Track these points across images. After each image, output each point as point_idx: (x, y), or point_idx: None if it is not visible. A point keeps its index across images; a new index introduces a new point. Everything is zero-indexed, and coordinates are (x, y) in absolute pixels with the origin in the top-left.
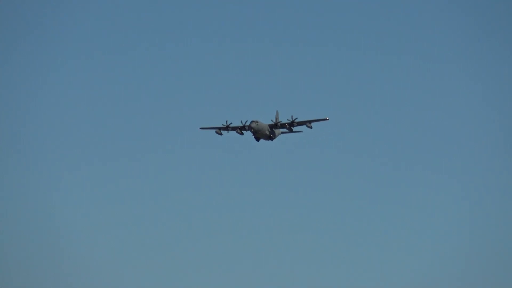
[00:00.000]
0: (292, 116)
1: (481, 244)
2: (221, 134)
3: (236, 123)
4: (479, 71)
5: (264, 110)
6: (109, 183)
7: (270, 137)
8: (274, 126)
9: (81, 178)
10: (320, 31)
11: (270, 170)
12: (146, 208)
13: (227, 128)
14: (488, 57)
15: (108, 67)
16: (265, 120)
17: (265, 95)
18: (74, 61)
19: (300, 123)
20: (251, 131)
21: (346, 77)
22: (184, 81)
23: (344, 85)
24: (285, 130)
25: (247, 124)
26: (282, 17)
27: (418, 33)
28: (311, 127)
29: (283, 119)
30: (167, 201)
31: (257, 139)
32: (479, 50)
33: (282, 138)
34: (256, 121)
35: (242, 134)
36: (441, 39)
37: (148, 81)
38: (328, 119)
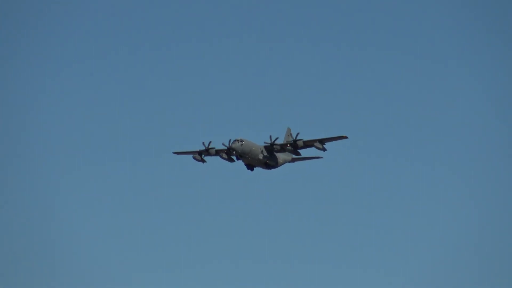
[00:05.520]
0: (297, 134)
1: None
2: (202, 160)
3: (222, 145)
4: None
5: (274, 126)
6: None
7: (267, 163)
8: (271, 148)
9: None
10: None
11: (259, 209)
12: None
13: (207, 151)
14: (488, 57)
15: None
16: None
17: (275, 109)
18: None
19: (308, 144)
20: (234, 155)
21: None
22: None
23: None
24: (296, 156)
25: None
26: (283, 17)
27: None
28: (323, 149)
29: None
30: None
31: (250, 167)
32: (479, 49)
33: (286, 166)
34: (241, 140)
35: (231, 160)
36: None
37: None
38: (346, 137)
